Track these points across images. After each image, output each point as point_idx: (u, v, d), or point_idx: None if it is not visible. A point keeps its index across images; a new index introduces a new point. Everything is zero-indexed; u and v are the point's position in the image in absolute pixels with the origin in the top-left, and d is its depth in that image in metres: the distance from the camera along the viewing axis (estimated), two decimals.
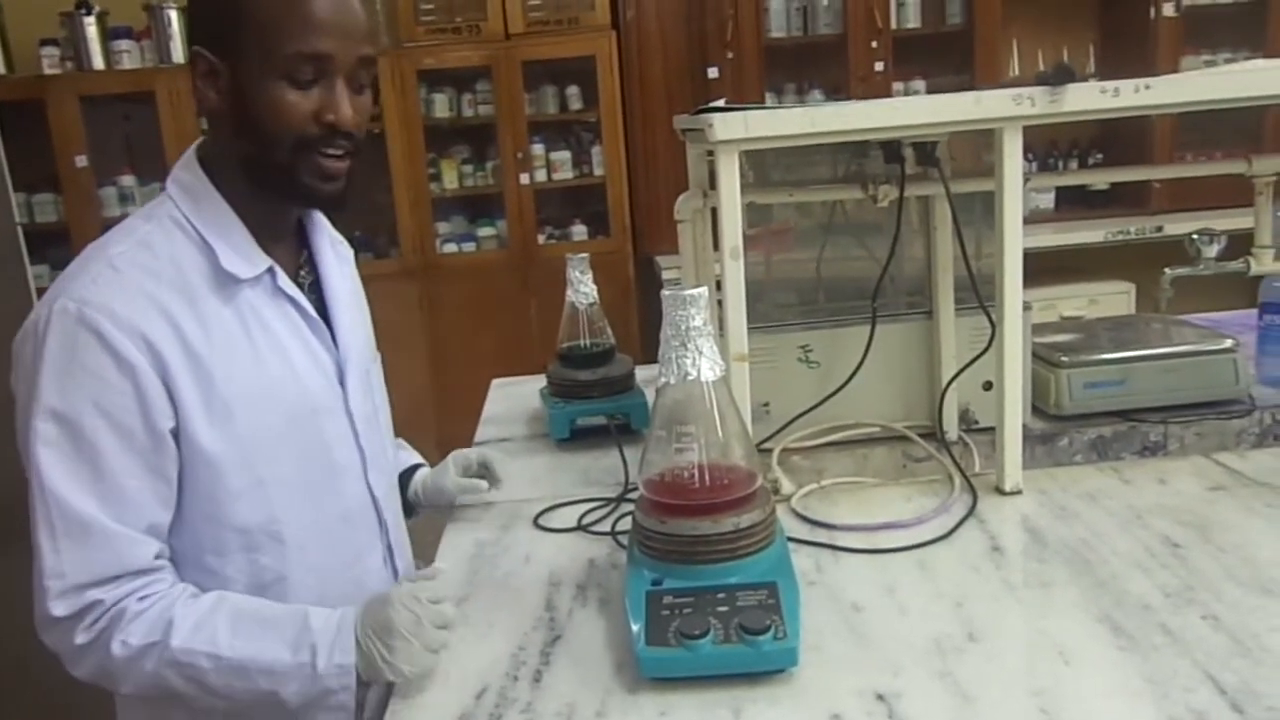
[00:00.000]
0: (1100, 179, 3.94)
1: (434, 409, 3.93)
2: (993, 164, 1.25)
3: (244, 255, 1.07)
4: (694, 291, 1.01)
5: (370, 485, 1.18)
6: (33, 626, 1.01)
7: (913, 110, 1.19)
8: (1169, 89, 1.22)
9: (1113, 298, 3.95)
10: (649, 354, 1.76)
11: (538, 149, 4.04)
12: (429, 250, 4.02)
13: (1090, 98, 1.21)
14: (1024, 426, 1.33)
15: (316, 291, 1.18)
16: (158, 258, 1.03)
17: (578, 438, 1.67)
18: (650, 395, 1.68)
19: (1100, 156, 4.30)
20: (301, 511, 1.10)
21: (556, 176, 4.09)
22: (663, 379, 1.03)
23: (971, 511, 1.27)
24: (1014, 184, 1.23)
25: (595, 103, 4.00)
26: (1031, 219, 4.43)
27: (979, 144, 1.43)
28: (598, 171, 4.07)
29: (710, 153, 1.40)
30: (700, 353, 1.01)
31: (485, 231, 4.15)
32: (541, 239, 4.10)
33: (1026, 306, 1.44)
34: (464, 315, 3.97)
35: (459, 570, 1.24)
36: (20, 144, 3.36)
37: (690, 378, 1.01)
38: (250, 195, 1.08)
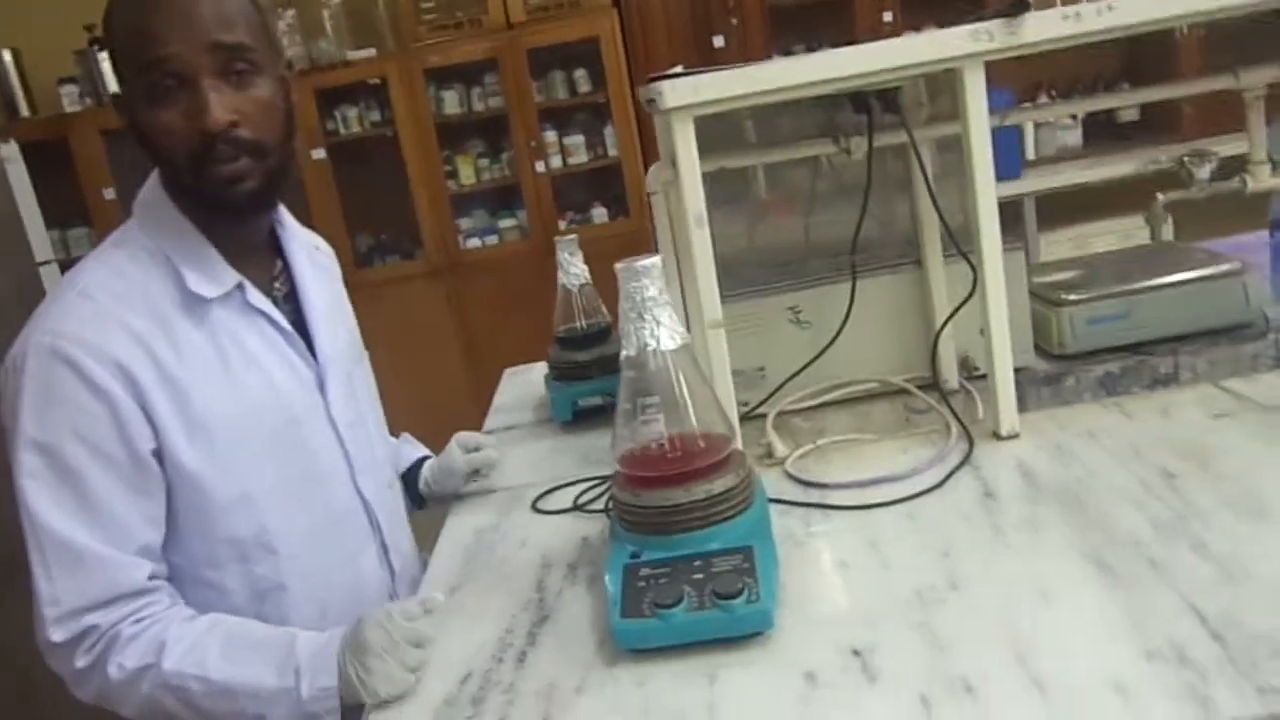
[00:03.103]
0: (1108, 104, 3.79)
1: (472, 404, 3.96)
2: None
3: (210, 274, 1.08)
4: (646, 262, 1.00)
5: (359, 488, 1.20)
6: (36, 654, 1.04)
7: (865, 57, 1.16)
8: (1133, 7, 1.18)
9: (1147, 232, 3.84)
10: None
11: (550, 136, 4.04)
12: (452, 248, 4.04)
13: (1051, 26, 1.17)
14: (1027, 369, 1.30)
15: (294, 301, 1.18)
16: (128, 284, 1.05)
17: (582, 419, 1.67)
18: None
19: (1126, 87, 4.17)
20: (291, 520, 1.12)
21: (572, 161, 4.09)
22: (624, 352, 1.02)
23: (966, 459, 1.25)
24: (980, 124, 1.20)
25: (604, 84, 3.98)
26: (1059, 156, 4.34)
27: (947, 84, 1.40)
28: (612, 152, 4.06)
29: None
30: (659, 323, 1.01)
31: (507, 223, 4.17)
32: (563, 225, 4.10)
33: (1016, 246, 1.41)
34: (493, 308, 3.99)
35: (455, 559, 1.25)
36: (50, 181, 3.45)
37: (650, 348, 1.01)
38: (199, 213, 1.08)
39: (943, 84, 1.39)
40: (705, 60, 3.90)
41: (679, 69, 1.30)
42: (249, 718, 1.00)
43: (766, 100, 1.18)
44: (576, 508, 1.33)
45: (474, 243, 4.12)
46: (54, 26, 3.89)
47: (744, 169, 1.50)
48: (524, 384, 1.99)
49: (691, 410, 1.02)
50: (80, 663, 1.01)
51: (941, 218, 1.29)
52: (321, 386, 1.17)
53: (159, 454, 1.03)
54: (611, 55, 3.91)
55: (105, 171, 3.89)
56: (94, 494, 1.00)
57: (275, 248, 1.19)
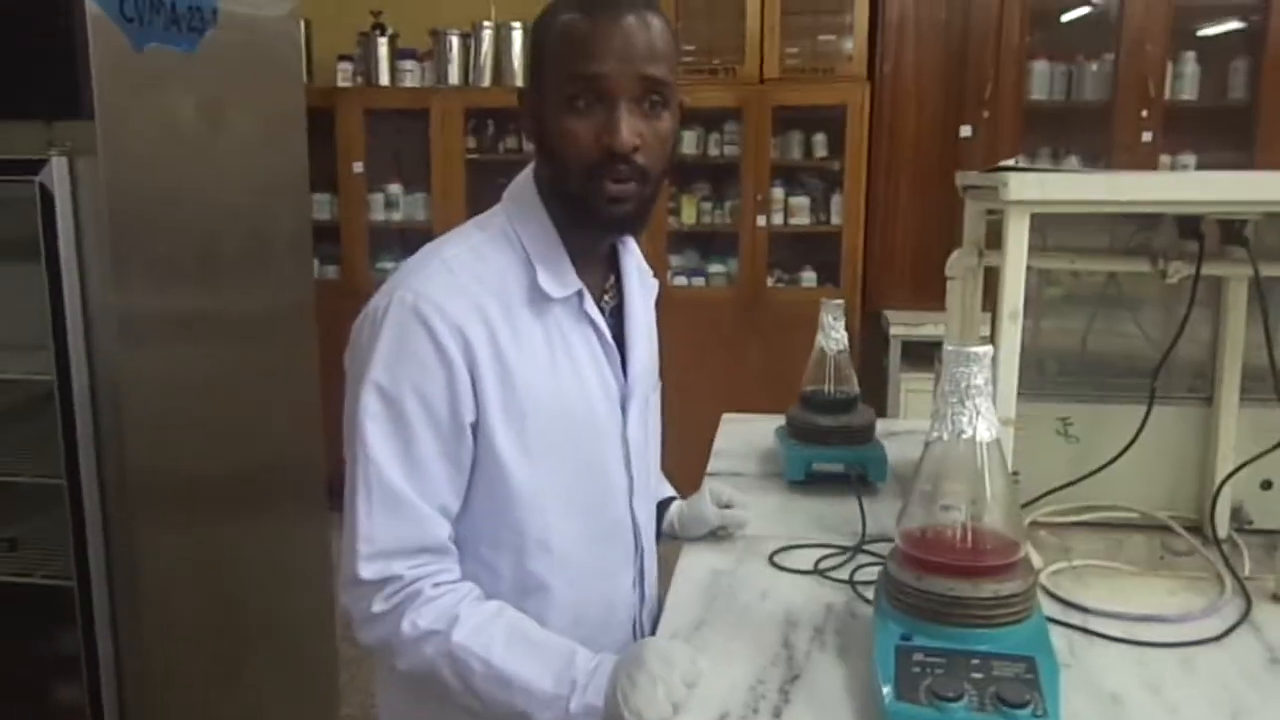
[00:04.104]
0: None
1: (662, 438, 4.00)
2: None
3: (559, 276, 1.13)
4: (979, 349, 0.99)
5: (634, 509, 1.22)
6: None
7: (1227, 186, 1.13)
8: None
9: None
10: (870, 406, 1.74)
11: (777, 192, 4.08)
12: (661, 281, 4.11)
13: None
14: None
15: (617, 316, 1.22)
16: (487, 265, 1.11)
17: (810, 482, 1.66)
18: (889, 448, 1.67)
19: None
20: (571, 524, 1.15)
21: (793, 221, 4.11)
22: (934, 434, 1.01)
23: (1245, 617, 1.18)
24: None
25: (840, 151, 4.00)
26: None
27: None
28: (835, 220, 4.06)
29: (991, 212, 1.38)
30: (978, 412, 0.99)
31: (716, 268, 4.22)
32: (770, 281, 4.12)
33: None
34: (687, 349, 4.01)
35: (694, 596, 1.26)
36: (309, 148, 3.70)
37: (965, 436, 0.99)
38: (567, 218, 1.14)
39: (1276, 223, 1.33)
40: (949, 147, 3.87)
41: (1012, 162, 1.29)
42: (514, 712, 1.03)
43: (1111, 210, 1.16)
44: (819, 572, 1.32)
45: (680, 281, 4.19)
46: (344, 5, 4.19)
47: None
48: (745, 434, 1.99)
49: (993, 505, 1.01)
50: (377, 607, 1.06)
51: (1274, 362, 1.23)
52: (624, 405, 1.20)
53: (476, 429, 1.08)
54: (856, 126, 3.92)
55: (361, 147, 4.14)
56: (419, 448, 1.06)
57: (612, 261, 1.23)
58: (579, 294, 1.15)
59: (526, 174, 1.18)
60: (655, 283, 1.33)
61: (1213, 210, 1.18)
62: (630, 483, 1.21)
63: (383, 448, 1.05)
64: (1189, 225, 1.32)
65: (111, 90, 1.74)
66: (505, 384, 1.08)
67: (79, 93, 1.68)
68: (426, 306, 1.06)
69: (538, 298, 1.12)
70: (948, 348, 1.01)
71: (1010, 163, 1.28)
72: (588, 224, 1.12)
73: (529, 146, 1.16)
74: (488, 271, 1.11)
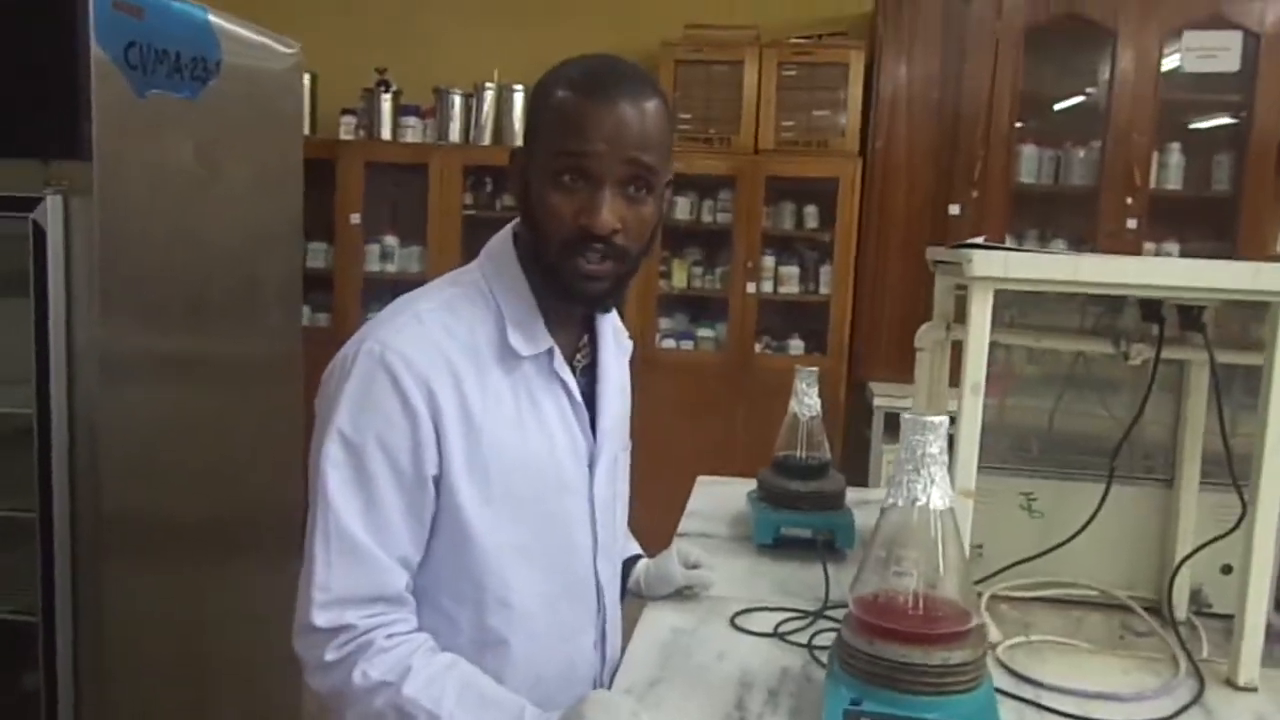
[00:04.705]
0: None
1: (641, 499, 4.00)
2: (1260, 337, 1.20)
3: (529, 334, 1.14)
4: (935, 419, 1.02)
5: (597, 569, 1.23)
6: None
7: (1183, 273, 1.16)
8: None
9: None
10: (852, 476, 1.75)
11: (768, 260, 4.13)
12: (649, 343, 4.15)
13: None
14: (1267, 621, 1.24)
15: (590, 375, 1.23)
16: (458, 320, 1.12)
17: (780, 546, 1.67)
18: (858, 515, 1.68)
19: None
20: (532, 581, 1.15)
21: (782, 289, 4.16)
22: (890, 500, 1.03)
23: (1197, 699, 1.19)
24: None
25: (831, 223, 4.06)
26: None
27: (1245, 314, 1.38)
28: (823, 290, 4.11)
29: (960, 287, 1.41)
30: (932, 480, 1.01)
31: (704, 333, 4.25)
32: (758, 348, 4.16)
33: None
34: (672, 411, 4.04)
35: (652, 653, 1.26)
36: (308, 197, 3.77)
37: (919, 503, 1.01)
38: (542, 284, 1.15)
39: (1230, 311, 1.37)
40: (938, 224, 3.94)
41: (980, 240, 1.33)
42: None
43: (1072, 290, 1.19)
44: (778, 635, 1.33)
45: (669, 344, 4.22)
46: (350, 60, 4.28)
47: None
48: (719, 496, 2.00)
49: (946, 573, 1.02)
50: (330, 655, 1.06)
51: (1227, 446, 1.25)
52: (591, 463, 1.21)
53: (439, 482, 1.09)
54: (847, 200, 3.99)
55: (359, 199, 4.20)
56: (380, 498, 1.07)
57: (587, 321, 1.25)
58: (549, 352, 1.16)
59: (506, 233, 1.20)
60: (630, 344, 1.34)
61: (1170, 295, 1.22)
62: (595, 541, 1.22)
63: (343, 496, 1.06)
64: (1152, 309, 1.35)
65: (111, 133, 1.78)
66: (470, 438, 1.10)
67: (78, 134, 1.72)
68: (393, 358, 1.07)
69: (507, 354, 1.13)
70: (905, 416, 1.04)
71: (978, 240, 1.31)
72: (560, 295, 1.14)
73: None
74: (459, 326, 1.12)
